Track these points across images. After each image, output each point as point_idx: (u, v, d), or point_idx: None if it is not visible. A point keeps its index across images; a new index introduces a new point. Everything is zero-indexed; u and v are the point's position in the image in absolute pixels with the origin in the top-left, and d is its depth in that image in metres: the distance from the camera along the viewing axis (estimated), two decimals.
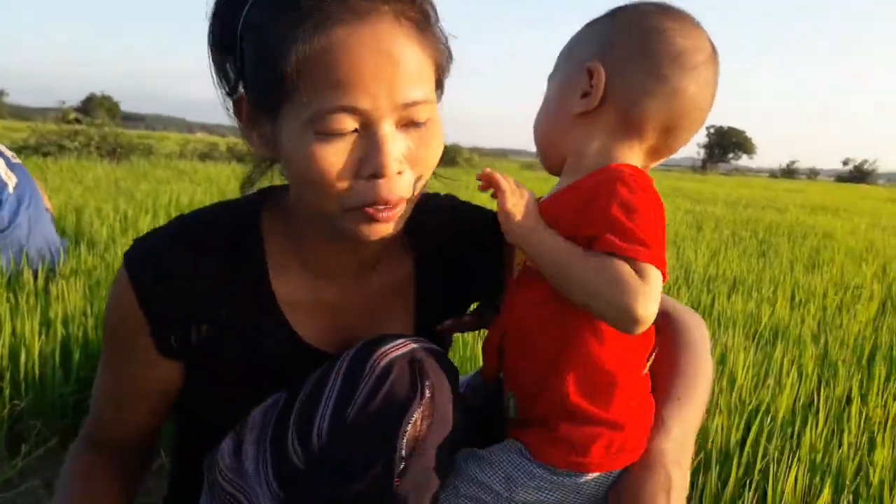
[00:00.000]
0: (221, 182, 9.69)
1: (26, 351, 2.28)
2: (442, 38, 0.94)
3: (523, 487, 0.96)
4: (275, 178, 1.11)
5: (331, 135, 0.85)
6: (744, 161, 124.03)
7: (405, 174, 0.90)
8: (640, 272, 0.87)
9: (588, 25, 1.03)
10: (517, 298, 1.01)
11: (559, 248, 0.91)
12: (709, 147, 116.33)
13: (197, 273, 1.00)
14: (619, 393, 0.95)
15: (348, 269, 1.08)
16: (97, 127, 14.47)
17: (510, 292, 1.04)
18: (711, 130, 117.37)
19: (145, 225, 4.85)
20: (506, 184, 0.95)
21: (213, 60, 0.96)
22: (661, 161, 1.05)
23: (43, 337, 2.44)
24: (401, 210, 0.92)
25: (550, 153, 1.05)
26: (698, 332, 1.14)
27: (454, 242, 1.17)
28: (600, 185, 0.92)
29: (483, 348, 1.08)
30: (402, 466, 0.90)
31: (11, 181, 3.47)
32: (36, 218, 3.57)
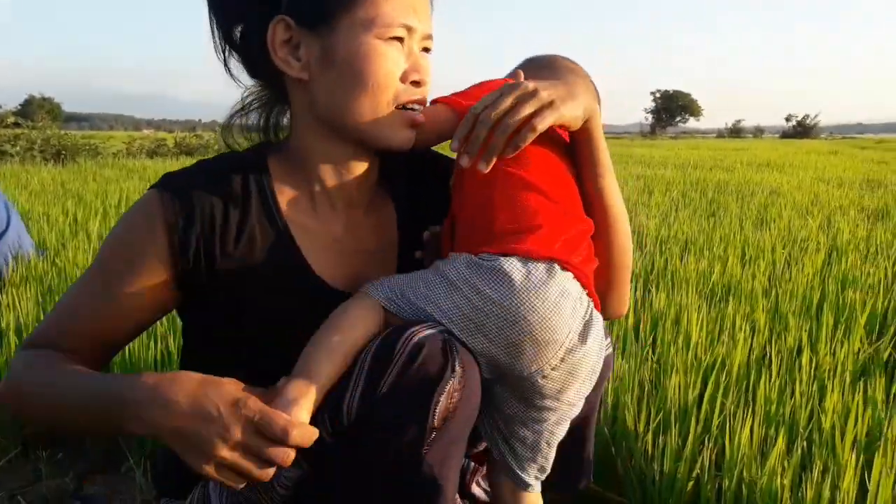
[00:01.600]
0: None
1: None
2: None
3: (452, 264, 1.05)
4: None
5: (392, 41, 1.03)
6: (691, 123, 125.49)
7: (427, 87, 1.11)
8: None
9: None
10: (464, 187, 1.13)
11: None
12: (656, 112, 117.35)
13: (219, 202, 1.08)
14: (544, 221, 1.06)
15: (348, 202, 1.19)
16: (39, 130, 14.11)
17: (456, 187, 1.17)
18: (657, 95, 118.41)
19: (96, 226, 4.76)
20: None
21: (226, 17, 1.09)
22: None
23: None
24: (423, 119, 1.10)
25: None
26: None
27: (422, 181, 1.29)
28: None
29: (441, 234, 1.20)
30: (432, 436, 0.95)
31: None
32: (18, 223, 3.58)
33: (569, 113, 1.04)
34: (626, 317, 2.66)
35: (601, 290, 1.14)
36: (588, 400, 1.40)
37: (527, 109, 1.01)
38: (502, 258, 1.01)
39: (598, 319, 1.10)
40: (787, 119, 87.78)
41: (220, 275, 1.08)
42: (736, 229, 5.21)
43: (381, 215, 1.24)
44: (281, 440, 0.89)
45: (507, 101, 1.01)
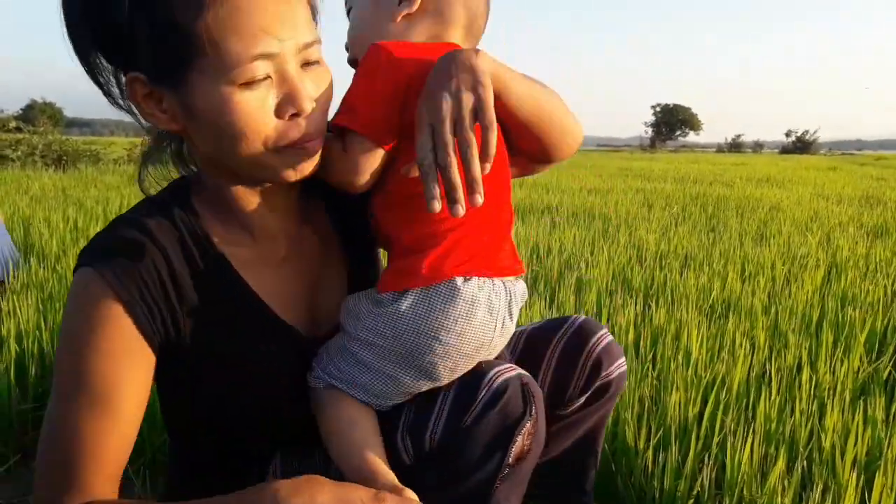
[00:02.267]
0: None
1: None
2: None
3: (363, 322, 1.06)
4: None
5: (250, 83, 0.90)
6: (691, 137, 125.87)
7: (316, 111, 0.98)
8: (344, 142, 1.03)
9: None
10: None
11: None
12: (656, 125, 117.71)
13: (154, 252, 1.01)
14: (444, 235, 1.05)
15: (282, 226, 1.13)
16: (40, 135, 14.13)
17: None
18: (658, 109, 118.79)
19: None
20: None
21: (85, 58, 0.97)
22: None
23: None
24: (320, 145, 1.00)
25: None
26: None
27: None
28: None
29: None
30: (504, 472, 1.03)
31: None
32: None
33: (490, 78, 0.96)
34: (627, 332, 2.67)
35: (545, 156, 1.18)
36: (597, 415, 1.43)
37: (467, 120, 0.94)
38: (401, 298, 1.04)
39: (520, 292, 1.12)
40: (787, 134, 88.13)
41: (181, 329, 1.04)
42: (736, 245, 5.22)
43: (314, 218, 1.21)
44: None
45: (447, 131, 0.93)
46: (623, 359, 1.43)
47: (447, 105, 0.93)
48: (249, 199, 1.08)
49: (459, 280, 1.02)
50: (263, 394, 1.11)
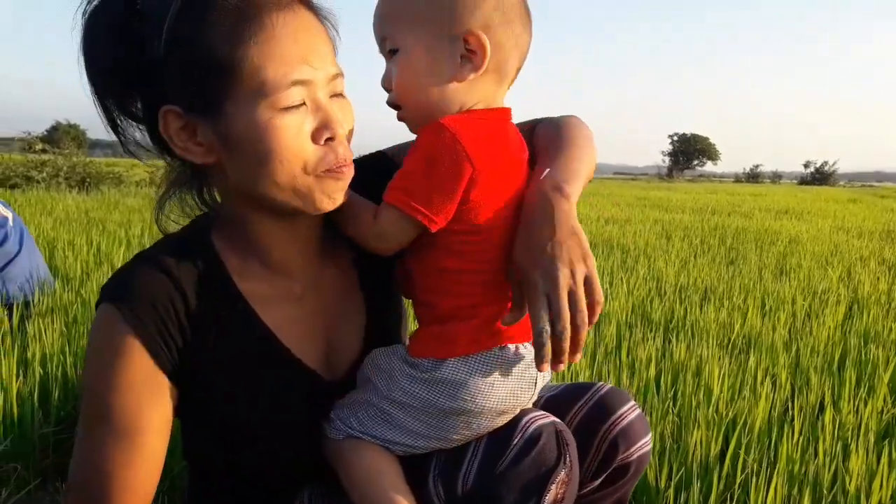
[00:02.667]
0: (194, 209, 9.59)
1: (4, 392, 2.26)
2: (331, 19, 1.06)
3: (397, 383, 1.07)
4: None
5: (288, 108, 0.94)
6: (708, 167, 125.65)
7: (345, 139, 1.02)
8: (382, 213, 1.04)
9: None
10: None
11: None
12: (673, 154, 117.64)
13: (173, 290, 1.03)
14: (482, 300, 1.08)
15: (302, 261, 1.14)
16: (65, 157, 14.31)
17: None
18: (675, 138, 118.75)
19: (119, 257, 4.82)
20: None
21: (115, 98, 1.00)
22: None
23: (21, 378, 2.42)
24: (351, 172, 1.04)
25: (427, 117, 1.08)
26: (578, 126, 1.25)
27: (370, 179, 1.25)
28: (418, 140, 1.05)
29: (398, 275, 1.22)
30: None
31: (10, 214, 3.54)
32: (30, 252, 3.62)
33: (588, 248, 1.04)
34: (647, 367, 2.66)
35: None
36: (614, 497, 1.38)
37: (581, 293, 1.00)
38: (440, 365, 1.06)
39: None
40: (806, 165, 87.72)
41: (197, 366, 1.05)
42: (755, 279, 5.19)
43: (335, 253, 1.22)
44: None
45: (564, 306, 0.98)
46: (648, 437, 1.32)
47: (564, 278, 0.98)
48: (274, 232, 1.09)
49: (496, 349, 1.06)
50: (277, 431, 1.11)
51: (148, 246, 1.12)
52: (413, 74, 1.06)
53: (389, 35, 1.07)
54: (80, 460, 1.02)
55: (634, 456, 1.29)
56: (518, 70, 1.13)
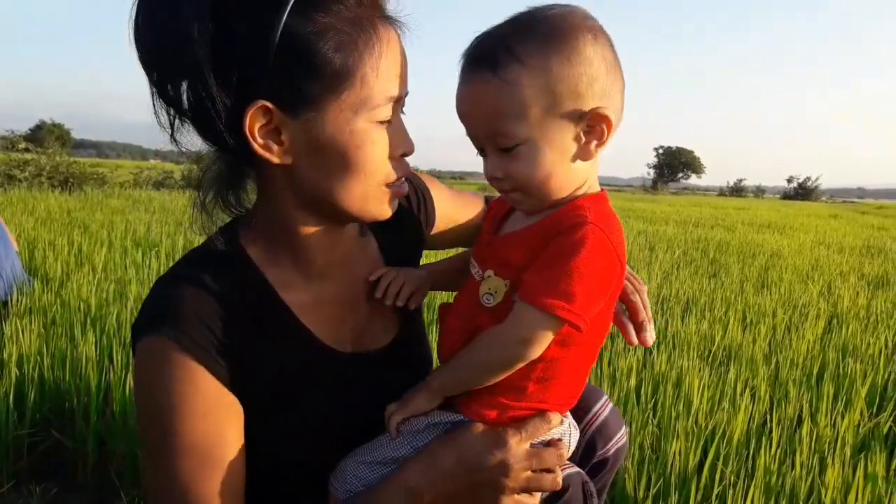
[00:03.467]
0: (177, 212, 9.56)
1: None
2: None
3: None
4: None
5: (382, 123, 0.97)
6: (693, 180, 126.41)
7: None
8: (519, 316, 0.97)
9: (528, 69, 0.96)
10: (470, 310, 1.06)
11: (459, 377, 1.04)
12: (658, 167, 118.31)
13: (218, 306, 1.01)
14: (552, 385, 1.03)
15: (336, 264, 1.14)
16: (48, 156, 14.20)
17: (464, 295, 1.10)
18: (661, 151, 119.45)
19: (101, 258, 4.78)
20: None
21: (207, 88, 0.92)
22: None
23: None
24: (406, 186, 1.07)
25: (548, 198, 1.03)
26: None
27: (399, 222, 1.25)
28: (569, 233, 0.96)
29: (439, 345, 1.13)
30: None
31: None
32: (6, 251, 3.57)
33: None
34: (628, 377, 2.67)
35: None
36: (600, 484, 1.39)
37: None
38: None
39: (572, 426, 1.13)
40: (789, 180, 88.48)
41: (248, 376, 1.03)
42: (737, 291, 5.23)
43: (368, 258, 1.23)
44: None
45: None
46: (623, 430, 1.34)
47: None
48: (321, 237, 1.08)
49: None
50: (321, 432, 1.10)
51: (155, 281, 1.07)
52: (541, 166, 0.99)
53: (503, 132, 0.98)
54: (162, 492, 0.98)
55: (612, 451, 1.32)
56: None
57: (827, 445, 2.24)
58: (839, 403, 2.63)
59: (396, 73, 0.97)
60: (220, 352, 0.99)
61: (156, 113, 0.96)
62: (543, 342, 0.96)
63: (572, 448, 1.12)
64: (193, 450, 0.96)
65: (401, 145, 1.02)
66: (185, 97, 0.94)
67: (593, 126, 0.98)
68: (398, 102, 0.99)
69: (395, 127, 1.00)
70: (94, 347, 2.70)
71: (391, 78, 0.96)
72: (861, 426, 2.48)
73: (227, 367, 0.99)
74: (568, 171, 1.01)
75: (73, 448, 2.36)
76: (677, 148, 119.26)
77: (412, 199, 1.30)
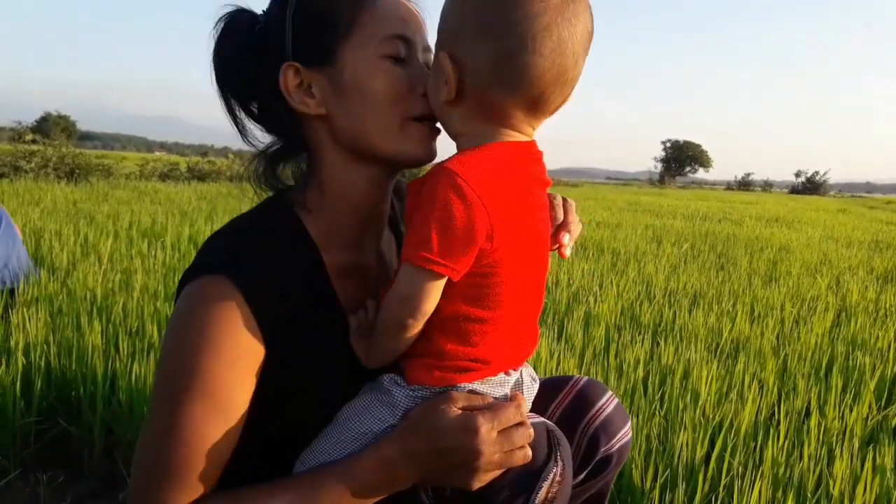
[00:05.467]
0: (183, 202, 9.58)
1: None
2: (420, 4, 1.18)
3: (401, 409, 1.03)
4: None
5: (394, 58, 1.06)
6: (700, 174, 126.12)
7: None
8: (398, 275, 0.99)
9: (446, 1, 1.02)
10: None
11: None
12: (665, 161, 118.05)
13: (275, 263, 1.04)
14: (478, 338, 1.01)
15: (375, 232, 1.21)
16: (54, 147, 14.24)
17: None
18: (668, 144, 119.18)
19: (107, 248, 4.78)
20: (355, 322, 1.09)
21: (238, 57, 1.10)
22: (540, 122, 1.03)
23: (2, 367, 2.40)
24: (437, 132, 1.13)
25: (448, 134, 1.07)
26: None
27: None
28: (428, 190, 0.94)
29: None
30: None
31: None
32: (12, 240, 3.57)
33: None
34: (635, 369, 2.66)
35: None
36: (599, 485, 1.36)
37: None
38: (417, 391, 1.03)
39: (529, 379, 1.11)
40: (797, 175, 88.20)
41: (288, 352, 1.04)
42: (745, 285, 5.21)
43: (391, 249, 1.28)
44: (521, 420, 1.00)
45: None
46: (627, 426, 1.32)
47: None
48: (365, 196, 1.15)
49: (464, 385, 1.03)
50: (329, 403, 1.09)
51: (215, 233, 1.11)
52: (432, 101, 1.05)
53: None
54: (166, 431, 0.97)
55: (615, 448, 1.30)
56: (536, 105, 0.99)
57: (835, 437, 2.23)
58: (848, 396, 2.61)
59: (401, 16, 1.09)
60: (270, 304, 1.00)
61: (235, 123, 1.14)
62: (424, 296, 0.96)
63: (530, 401, 1.11)
64: (211, 395, 0.96)
65: (418, 84, 1.08)
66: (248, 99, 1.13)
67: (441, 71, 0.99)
68: (409, 44, 1.08)
69: (412, 68, 1.09)
70: (100, 336, 2.70)
71: (393, 19, 1.08)
72: (870, 419, 2.47)
73: (270, 320, 1.00)
74: (441, 108, 1.03)
75: (79, 436, 2.36)
76: (685, 141, 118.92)
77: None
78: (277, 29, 1.07)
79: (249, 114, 1.15)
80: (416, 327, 0.99)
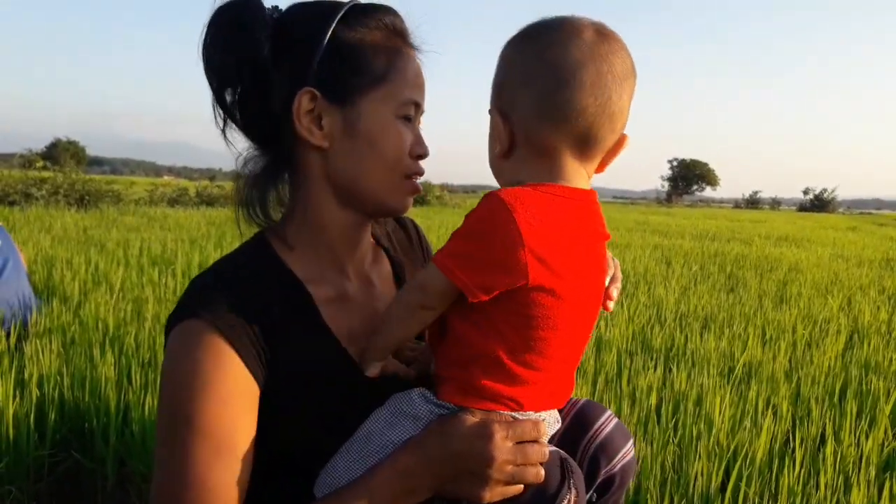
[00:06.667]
0: (192, 228, 9.61)
1: (0, 414, 2.25)
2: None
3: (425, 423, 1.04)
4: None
5: (405, 119, 1.12)
6: (707, 192, 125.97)
7: None
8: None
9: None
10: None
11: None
12: (672, 180, 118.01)
13: (254, 298, 1.06)
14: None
15: (357, 262, 1.24)
16: (64, 174, 14.36)
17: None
18: (675, 163, 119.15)
19: (118, 277, 4.80)
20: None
21: (263, 70, 1.09)
22: (601, 167, 1.07)
23: (17, 399, 2.41)
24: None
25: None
26: None
27: (405, 237, 1.44)
28: (475, 210, 0.98)
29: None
30: None
31: None
32: (16, 276, 3.58)
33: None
34: (648, 396, 2.65)
35: None
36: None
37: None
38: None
39: (552, 419, 1.13)
40: (805, 192, 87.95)
41: (275, 377, 1.05)
42: (756, 306, 5.19)
43: (381, 266, 1.32)
44: (537, 437, 1.02)
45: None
46: (628, 445, 1.30)
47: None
48: (345, 236, 1.19)
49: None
50: (335, 437, 1.10)
51: (193, 278, 1.11)
52: (489, 149, 1.09)
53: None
54: (172, 477, 0.98)
55: (617, 467, 1.27)
56: (586, 147, 1.01)
57: (851, 465, 2.21)
58: (863, 421, 2.59)
59: (418, 82, 1.15)
60: (251, 339, 1.03)
61: (222, 123, 1.13)
62: (433, 291, 1.01)
63: (549, 434, 1.12)
64: (210, 435, 0.98)
65: (419, 146, 1.15)
66: (238, 102, 1.12)
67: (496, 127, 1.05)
68: (418, 109, 1.15)
69: (414, 129, 1.15)
70: (112, 368, 2.71)
71: (414, 86, 1.14)
72: (886, 445, 2.45)
73: (256, 354, 1.03)
74: (496, 163, 1.08)
75: (92, 468, 2.36)
76: (692, 160, 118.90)
77: (411, 233, 1.47)
78: (306, 48, 1.09)
79: (242, 112, 1.14)
80: (425, 317, 1.06)
